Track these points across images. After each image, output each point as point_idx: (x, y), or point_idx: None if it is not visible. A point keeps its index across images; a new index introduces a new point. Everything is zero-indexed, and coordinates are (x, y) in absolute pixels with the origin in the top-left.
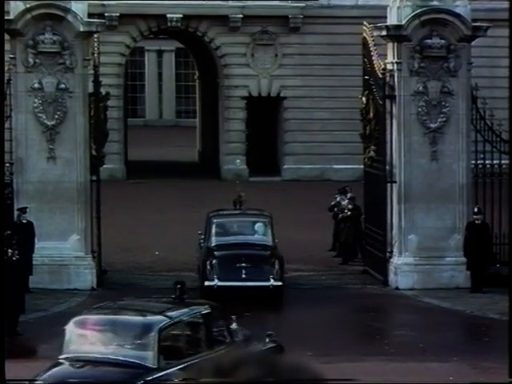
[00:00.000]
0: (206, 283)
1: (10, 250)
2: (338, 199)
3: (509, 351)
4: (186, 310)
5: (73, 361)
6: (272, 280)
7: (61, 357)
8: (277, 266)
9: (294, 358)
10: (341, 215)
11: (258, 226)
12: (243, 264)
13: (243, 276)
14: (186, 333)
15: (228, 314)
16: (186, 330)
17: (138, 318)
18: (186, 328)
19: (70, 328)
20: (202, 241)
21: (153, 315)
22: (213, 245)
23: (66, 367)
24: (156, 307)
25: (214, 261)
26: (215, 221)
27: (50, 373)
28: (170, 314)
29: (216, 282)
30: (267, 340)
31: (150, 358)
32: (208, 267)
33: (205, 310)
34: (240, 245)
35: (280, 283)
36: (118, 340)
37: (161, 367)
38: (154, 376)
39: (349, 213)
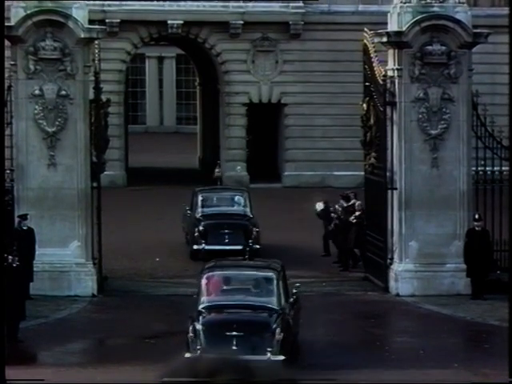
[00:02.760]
0: (195, 247)
1: (10, 257)
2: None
3: (509, 351)
4: (277, 265)
5: (215, 308)
6: (251, 244)
7: (200, 307)
8: (254, 232)
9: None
10: (331, 226)
11: (238, 199)
12: (226, 231)
13: (226, 241)
14: (282, 281)
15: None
16: (282, 279)
17: (256, 272)
18: (282, 277)
19: (203, 282)
20: (188, 212)
21: (263, 269)
22: (199, 215)
23: (212, 312)
24: (257, 264)
25: (201, 228)
26: (201, 194)
27: (202, 319)
28: (274, 267)
29: (203, 246)
30: (294, 291)
31: (274, 302)
32: (196, 233)
33: (281, 264)
34: (223, 214)
35: (258, 246)
36: (245, 289)
37: (280, 308)
38: (280, 315)
39: (354, 220)
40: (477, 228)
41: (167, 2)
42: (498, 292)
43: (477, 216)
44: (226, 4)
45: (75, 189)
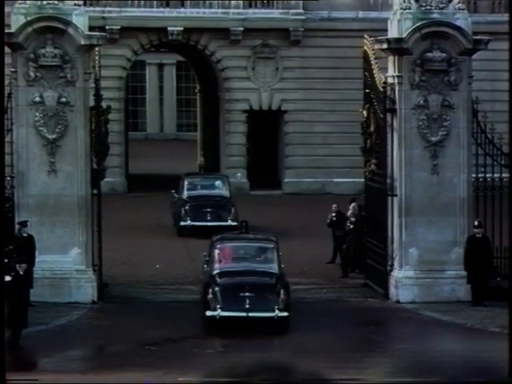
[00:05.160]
0: (182, 223)
1: (17, 265)
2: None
3: (509, 351)
4: (273, 237)
5: (227, 273)
6: (230, 221)
7: (214, 272)
8: (233, 211)
9: (306, 364)
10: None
11: (218, 184)
12: (208, 209)
13: (208, 218)
14: (278, 250)
15: None
16: (277, 249)
17: (258, 244)
18: (277, 247)
19: (216, 252)
20: (175, 195)
21: (263, 241)
22: (185, 196)
23: (227, 276)
24: (257, 236)
25: (187, 207)
26: (187, 179)
27: (219, 282)
28: (272, 239)
29: (189, 222)
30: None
31: (275, 268)
32: (183, 212)
33: (276, 237)
34: (205, 196)
35: (236, 223)
36: (250, 258)
37: (279, 273)
38: (281, 279)
39: (351, 226)
40: (477, 235)
41: (167, 9)
42: (498, 299)
43: (477, 223)
44: (227, 11)
45: (75, 196)
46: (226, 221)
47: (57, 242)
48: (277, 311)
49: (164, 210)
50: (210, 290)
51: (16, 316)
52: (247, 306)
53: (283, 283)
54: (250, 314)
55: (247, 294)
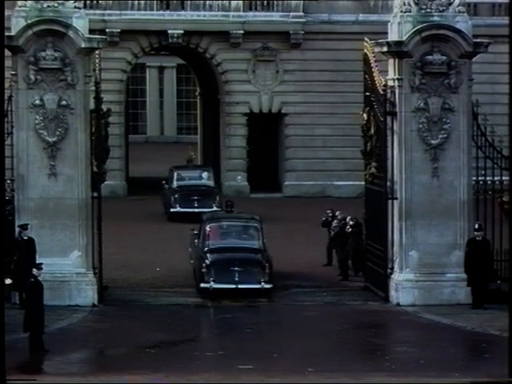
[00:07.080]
0: (172, 210)
1: (35, 270)
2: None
3: (509, 350)
4: (258, 217)
5: (218, 249)
6: (215, 207)
7: (206, 248)
8: (217, 198)
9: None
10: (333, 233)
11: (205, 175)
12: (196, 197)
13: (195, 205)
14: (262, 229)
15: None
16: (262, 228)
17: (245, 222)
18: (261, 226)
19: (207, 230)
20: (166, 186)
21: (250, 220)
22: (175, 186)
23: (218, 252)
24: (243, 215)
25: (177, 196)
26: (176, 171)
27: (211, 258)
28: (257, 218)
29: (178, 209)
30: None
31: (260, 244)
32: (172, 200)
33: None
34: (193, 185)
35: (219, 209)
36: (238, 235)
37: (263, 249)
38: (265, 254)
39: (350, 229)
40: (477, 238)
41: (167, 12)
42: (498, 302)
43: (477, 226)
44: (227, 14)
45: (76, 199)
46: (211, 207)
47: (57, 245)
48: (263, 283)
49: (163, 214)
50: (204, 265)
51: (36, 321)
52: (237, 279)
53: (267, 258)
54: (240, 286)
55: (237, 268)
